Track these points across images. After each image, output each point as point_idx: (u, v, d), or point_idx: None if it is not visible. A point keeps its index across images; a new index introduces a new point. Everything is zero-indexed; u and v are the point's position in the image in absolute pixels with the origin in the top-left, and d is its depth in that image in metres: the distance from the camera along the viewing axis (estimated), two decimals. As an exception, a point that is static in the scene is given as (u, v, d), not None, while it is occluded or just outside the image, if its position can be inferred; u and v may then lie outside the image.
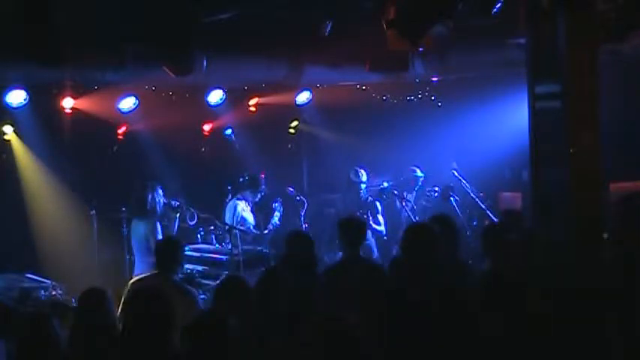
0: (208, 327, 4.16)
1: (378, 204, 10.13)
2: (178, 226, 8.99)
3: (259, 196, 9.98)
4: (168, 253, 6.19)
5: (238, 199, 9.90)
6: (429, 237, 5.57)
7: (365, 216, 9.49)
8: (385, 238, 10.04)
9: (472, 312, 4.55)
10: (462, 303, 4.64)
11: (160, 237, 8.37)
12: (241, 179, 9.99)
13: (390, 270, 5.92)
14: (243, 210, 9.85)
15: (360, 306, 4.82)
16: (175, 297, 5.60)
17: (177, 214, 8.91)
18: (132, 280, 6.51)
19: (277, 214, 9.94)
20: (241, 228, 9.33)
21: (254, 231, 9.71)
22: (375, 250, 9.75)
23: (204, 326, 4.18)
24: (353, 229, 6.46)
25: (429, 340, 4.40)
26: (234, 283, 5.32)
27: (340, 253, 9.66)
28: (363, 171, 10.17)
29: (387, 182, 10.43)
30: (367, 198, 10.14)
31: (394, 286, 5.39)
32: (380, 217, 10.07)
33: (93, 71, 8.52)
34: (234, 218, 9.66)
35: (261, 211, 10.21)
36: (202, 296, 7.40)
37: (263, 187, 9.95)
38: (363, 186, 10.12)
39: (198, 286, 7.91)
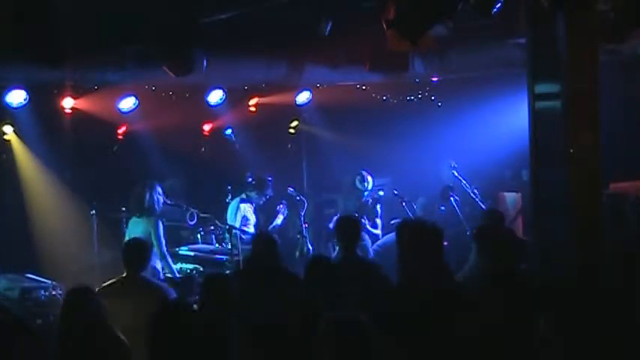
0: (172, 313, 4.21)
1: (378, 207, 10.16)
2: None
3: (264, 199, 9.99)
4: (135, 252, 6.32)
5: (242, 200, 9.88)
6: (435, 236, 5.58)
7: (363, 219, 9.49)
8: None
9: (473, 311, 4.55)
10: (464, 303, 4.65)
11: (162, 235, 8.38)
12: (249, 180, 9.96)
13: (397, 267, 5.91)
14: (246, 211, 9.85)
15: (359, 304, 4.84)
16: (145, 291, 6.00)
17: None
18: (103, 285, 6.36)
19: (281, 216, 9.97)
20: (243, 229, 9.34)
21: (254, 232, 9.72)
22: (371, 250, 9.76)
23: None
24: (349, 228, 6.54)
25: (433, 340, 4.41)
26: (217, 281, 5.41)
27: (335, 252, 9.88)
28: (370, 177, 10.19)
29: (382, 190, 10.51)
30: (368, 201, 10.17)
31: (398, 285, 5.39)
32: (378, 221, 10.09)
33: (93, 71, 8.51)
34: (236, 218, 9.66)
35: (263, 212, 10.21)
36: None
37: (269, 191, 9.95)
38: (366, 193, 10.17)
39: (197, 286, 7.89)
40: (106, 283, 6.38)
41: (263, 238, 6.77)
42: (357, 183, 10.18)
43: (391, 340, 4.35)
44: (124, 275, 6.28)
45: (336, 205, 10.50)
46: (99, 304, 5.07)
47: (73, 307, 5.05)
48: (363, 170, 10.32)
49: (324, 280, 5.95)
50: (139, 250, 6.39)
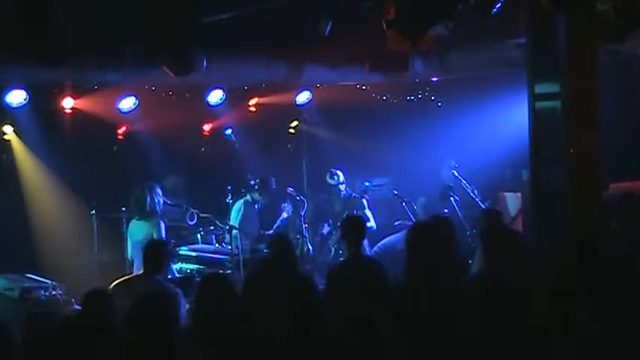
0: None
1: (364, 201, 10.18)
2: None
3: (269, 198, 10.01)
4: (153, 254, 6.31)
5: (247, 202, 9.88)
6: (436, 237, 5.57)
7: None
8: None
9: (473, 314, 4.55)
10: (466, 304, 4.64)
11: (164, 236, 8.38)
12: (252, 182, 9.96)
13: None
14: (250, 213, 9.86)
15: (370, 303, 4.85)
16: None
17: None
18: (115, 282, 6.37)
19: (285, 214, 9.99)
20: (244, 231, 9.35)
21: (256, 233, 9.76)
22: (368, 248, 9.76)
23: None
24: (355, 227, 6.57)
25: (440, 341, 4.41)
26: (214, 280, 5.40)
27: (331, 253, 9.85)
28: (339, 172, 10.26)
29: (368, 182, 10.54)
30: (350, 195, 10.19)
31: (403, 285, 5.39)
32: (368, 213, 10.10)
33: (93, 71, 8.51)
34: (239, 220, 9.66)
35: (266, 211, 10.21)
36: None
37: (273, 188, 9.97)
38: (342, 187, 10.19)
39: (196, 286, 7.87)
40: (119, 280, 6.39)
41: (279, 240, 6.78)
42: (328, 179, 10.24)
43: (398, 338, 4.36)
44: (140, 273, 6.33)
45: (325, 206, 10.52)
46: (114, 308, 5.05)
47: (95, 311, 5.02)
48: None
49: (332, 279, 5.98)
50: (156, 252, 6.35)
